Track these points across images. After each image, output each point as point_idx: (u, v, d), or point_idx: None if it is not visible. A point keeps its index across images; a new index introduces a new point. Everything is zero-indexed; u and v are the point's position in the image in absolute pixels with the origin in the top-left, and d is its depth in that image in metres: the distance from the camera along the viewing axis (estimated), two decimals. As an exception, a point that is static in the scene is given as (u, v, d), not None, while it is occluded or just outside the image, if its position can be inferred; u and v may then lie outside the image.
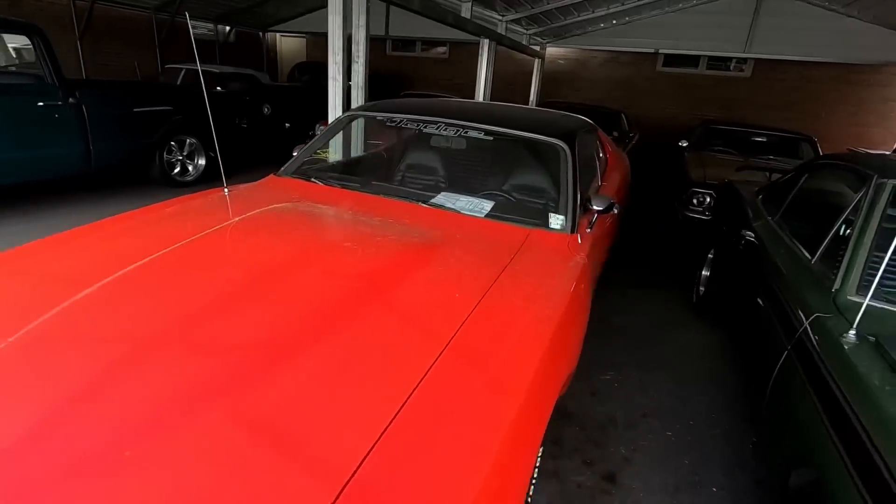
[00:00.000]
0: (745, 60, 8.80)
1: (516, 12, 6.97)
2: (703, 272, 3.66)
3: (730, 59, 8.88)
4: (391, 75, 11.53)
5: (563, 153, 2.28)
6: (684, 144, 6.57)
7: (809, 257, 2.00)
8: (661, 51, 8.73)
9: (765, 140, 6.30)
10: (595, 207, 2.16)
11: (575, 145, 2.34)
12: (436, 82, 11.20)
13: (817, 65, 8.35)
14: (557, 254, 1.86)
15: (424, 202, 2.10)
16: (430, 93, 8.37)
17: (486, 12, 6.91)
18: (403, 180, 2.57)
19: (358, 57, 3.74)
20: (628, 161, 4.65)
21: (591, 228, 2.21)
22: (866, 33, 7.62)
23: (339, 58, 3.52)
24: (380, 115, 2.55)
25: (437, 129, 2.42)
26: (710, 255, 3.62)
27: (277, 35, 12.39)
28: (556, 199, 2.20)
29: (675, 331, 3.33)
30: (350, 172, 2.53)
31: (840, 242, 1.86)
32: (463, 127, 2.39)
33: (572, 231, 2.03)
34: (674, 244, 5.23)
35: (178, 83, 8.21)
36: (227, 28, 11.39)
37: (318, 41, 12.14)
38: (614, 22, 8.73)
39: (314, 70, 9.36)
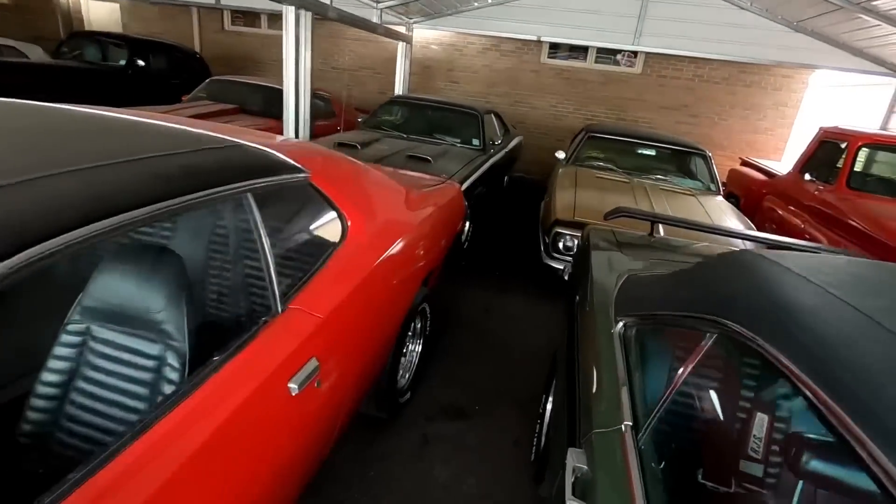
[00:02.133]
0: (634, 54, 7.73)
1: (344, -26, 5.16)
2: (548, 403, 2.16)
3: (618, 52, 7.76)
4: (228, 56, 9.26)
5: None
6: (560, 157, 5.19)
7: None
8: (543, 38, 7.37)
9: (654, 154, 5.09)
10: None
11: None
12: (290, 67, 9.11)
13: (711, 62, 7.45)
14: None
15: None
16: (247, 80, 6.33)
17: (301, -28, 5.03)
18: None
19: None
20: (454, 195, 3.08)
21: None
22: (760, 29, 6.74)
23: None
24: None
25: None
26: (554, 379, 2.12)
27: (82, -2, 9.58)
28: None
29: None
30: None
31: None
32: None
33: None
34: (535, 310, 3.77)
35: None
36: (-6, -17, 8.47)
37: (138, 9, 9.52)
38: (489, 1, 7.22)
39: (99, 43, 6.91)
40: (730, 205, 4.29)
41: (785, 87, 7.41)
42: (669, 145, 4.93)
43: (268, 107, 5.58)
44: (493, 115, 6.07)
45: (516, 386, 2.71)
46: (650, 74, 7.78)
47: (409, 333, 2.31)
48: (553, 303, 3.75)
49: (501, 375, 2.81)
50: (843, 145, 4.45)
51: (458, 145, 5.05)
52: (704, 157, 4.86)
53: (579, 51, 8.02)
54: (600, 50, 7.87)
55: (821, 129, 4.99)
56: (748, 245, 3.02)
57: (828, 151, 4.76)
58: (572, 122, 8.26)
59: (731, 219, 3.87)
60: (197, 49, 8.94)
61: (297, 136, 4.98)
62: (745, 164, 6.92)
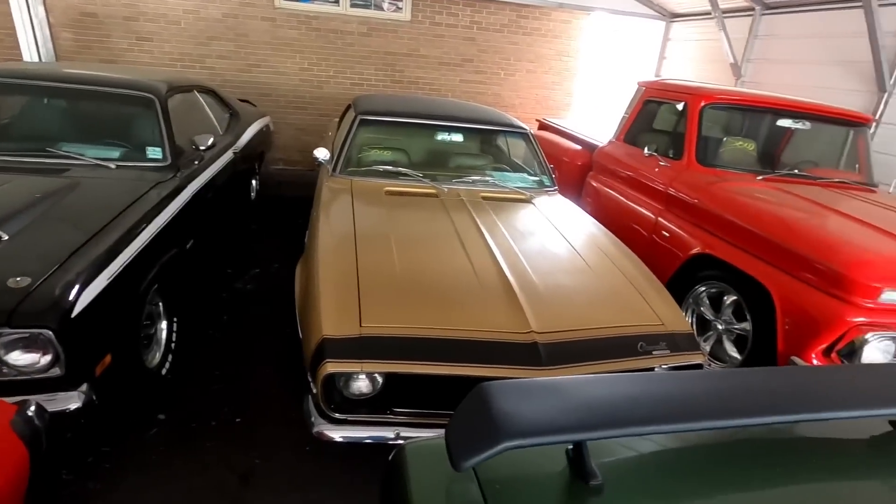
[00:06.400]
0: (399, -6, 5.94)
1: None
2: None
3: (379, -10, 5.86)
4: None
5: None
6: (322, 157, 3.14)
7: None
8: (268, -32, 4.98)
9: (461, 140, 3.44)
10: None
11: None
12: None
13: (488, 5, 6.13)
14: None
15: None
16: None
17: None
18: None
19: None
20: None
21: None
22: (535, -38, 5.60)
23: None
24: None
25: None
26: None
27: None
28: None
29: None
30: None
31: None
32: None
33: None
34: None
35: None
36: None
37: None
38: None
39: None
40: (593, 220, 2.90)
41: (564, 35, 6.59)
42: (479, 124, 3.31)
43: None
44: (197, 94, 3.60)
45: None
46: (423, 21, 6.12)
47: None
48: None
49: None
50: (680, 106, 3.47)
51: (115, 164, 2.56)
52: (526, 137, 3.41)
53: (327, -10, 5.85)
54: (355, -12, 5.84)
55: (641, 84, 3.99)
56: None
57: (657, 114, 3.79)
58: (336, 89, 6.18)
59: (617, 253, 2.42)
60: None
61: None
62: (543, 127, 5.92)
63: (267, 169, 5.37)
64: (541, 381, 0.97)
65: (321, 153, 3.11)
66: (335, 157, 3.03)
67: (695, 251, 2.92)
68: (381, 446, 1.70)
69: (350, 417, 1.67)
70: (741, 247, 2.63)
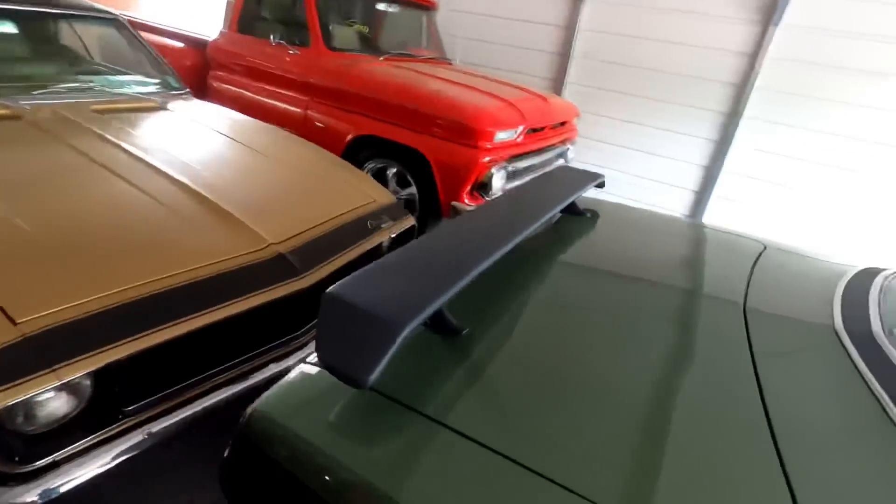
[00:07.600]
0: None
1: None
2: None
3: None
4: None
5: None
6: None
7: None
8: None
9: (18, 33, 2.25)
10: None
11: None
12: None
13: None
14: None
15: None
16: None
17: None
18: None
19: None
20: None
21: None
22: None
23: None
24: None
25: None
26: None
27: None
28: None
29: None
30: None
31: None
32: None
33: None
34: None
35: None
36: None
37: None
38: None
39: None
40: (250, 118, 2.53)
41: None
42: (43, 8, 2.22)
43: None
44: None
45: None
46: None
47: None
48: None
49: None
50: (290, -10, 3.29)
51: None
52: (120, 25, 2.57)
53: None
54: None
55: (237, -35, 3.52)
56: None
57: (266, 2, 3.48)
58: None
59: (295, 144, 2.24)
60: None
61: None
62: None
63: None
64: (374, 267, 0.89)
65: None
66: None
67: (352, 136, 3.07)
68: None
69: (57, 457, 1.10)
70: (393, 122, 2.92)
